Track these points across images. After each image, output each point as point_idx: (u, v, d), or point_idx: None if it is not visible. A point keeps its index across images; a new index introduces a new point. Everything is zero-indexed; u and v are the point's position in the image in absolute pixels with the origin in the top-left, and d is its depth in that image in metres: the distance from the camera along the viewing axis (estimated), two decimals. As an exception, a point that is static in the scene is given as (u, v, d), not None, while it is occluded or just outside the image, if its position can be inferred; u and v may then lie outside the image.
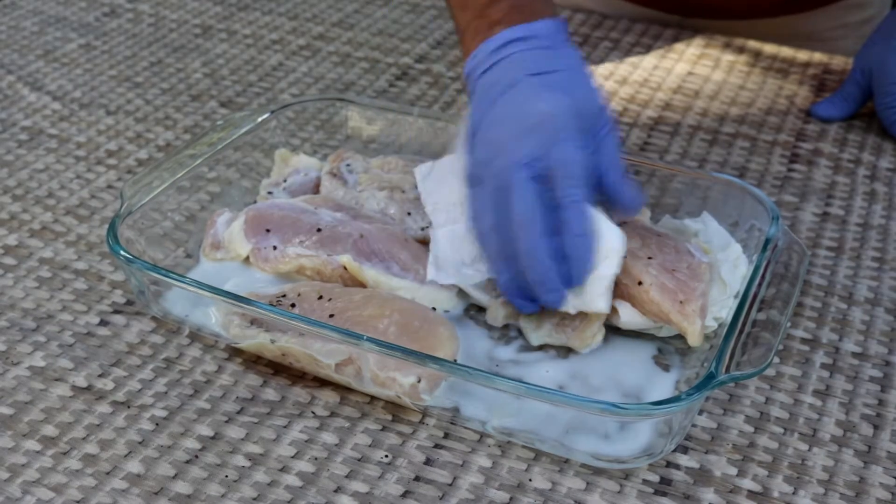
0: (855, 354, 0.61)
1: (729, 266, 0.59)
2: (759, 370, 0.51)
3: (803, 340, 0.63)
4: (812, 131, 0.85)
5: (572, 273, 0.56)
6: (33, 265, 0.67)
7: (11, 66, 0.91)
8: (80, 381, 0.58)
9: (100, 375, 0.58)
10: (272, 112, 0.73)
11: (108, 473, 0.52)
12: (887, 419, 0.57)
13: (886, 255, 0.70)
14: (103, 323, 0.62)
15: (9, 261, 0.67)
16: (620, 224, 0.61)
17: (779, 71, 0.93)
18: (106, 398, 0.57)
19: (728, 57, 0.95)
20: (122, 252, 0.58)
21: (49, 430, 0.55)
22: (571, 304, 0.57)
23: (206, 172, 0.69)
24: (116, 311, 0.63)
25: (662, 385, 0.56)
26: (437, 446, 0.54)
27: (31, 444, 0.54)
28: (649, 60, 0.95)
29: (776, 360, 0.61)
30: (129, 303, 0.64)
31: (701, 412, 0.57)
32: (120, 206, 0.62)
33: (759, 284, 0.57)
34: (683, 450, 0.54)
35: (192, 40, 0.97)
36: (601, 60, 0.94)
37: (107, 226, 0.68)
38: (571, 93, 0.57)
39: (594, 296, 0.56)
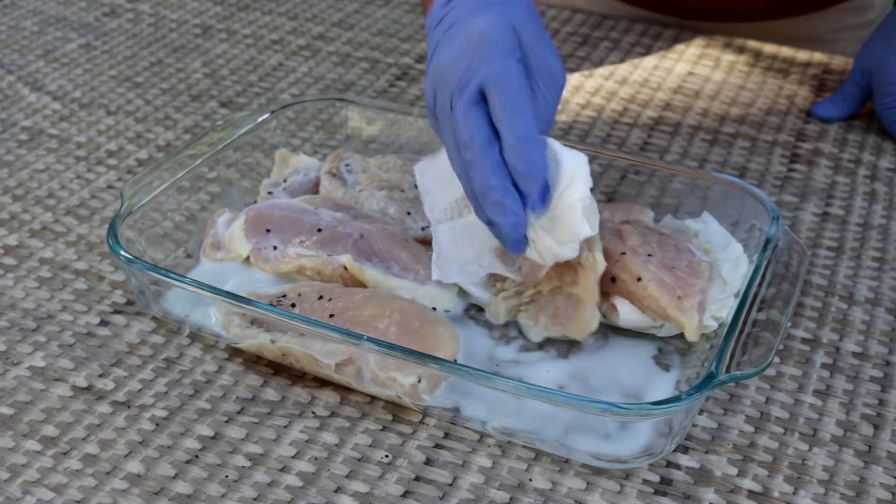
0: (855, 354, 0.62)
1: (730, 265, 0.59)
2: (759, 370, 0.51)
3: (804, 340, 0.62)
4: (812, 131, 0.85)
5: (529, 189, 0.52)
6: (33, 265, 0.67)
7: (11, 66, 0.90)
8: (81, 382, 0.58)
9: (100, 375, 0.58)
10: (272, 112, 0.73)
11: (108, 473, 0.52)
12: (888, 419, 0.57)
13: (887, 255, 0.70)
14: (103, 323, 0.62)
15: (9, 261, 0.67)
16: (623, 223, 0.61)
17: (779, 71, 0.93)
18: (106, 398, 0.57)
19: (728, 57, 0.95)
20: (122, 252, 0.58)
21: (49, 430, 0.55)
22: (551, 242, 0.54)
23: (206, 172, 0.69)
24: (117, 311, 0.63)
25: (663, 385, 0.56)
26: (437, 446, 0.54)
27: (32, 445, 0.54)
28: (649, 60, 0.94)
29: (776, 359, 0.60)
30: (130, 303, 0.63)
31: (701, 412, 0.56)
32: (120, 207, 0.62)
33: (760, 284, 0.56)
34: (684, 450, 0.54)
35: (192, 40, 0.97)
36: (601, 61, 0.94)
37: (107, 226, 0.68)
38: (505, 11, 0.55)
39: (573, 223, 0.53)
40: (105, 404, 0.56)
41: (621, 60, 0.95)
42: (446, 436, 0.55)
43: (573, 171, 0.54)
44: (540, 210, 0.53)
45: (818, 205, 0.75)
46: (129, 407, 0.56)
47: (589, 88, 0.89)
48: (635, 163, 0.69)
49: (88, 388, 0.57)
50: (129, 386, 0.57)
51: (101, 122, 0.82)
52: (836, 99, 0.84)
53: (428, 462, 0.53)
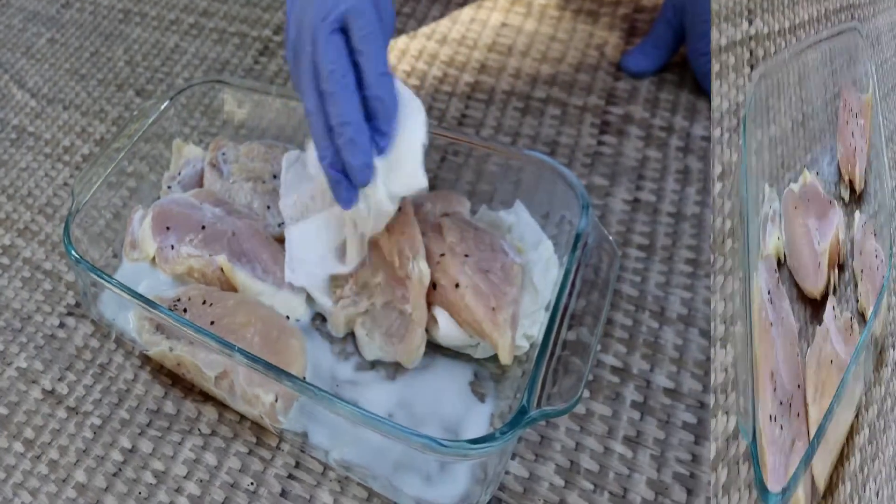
0: (667, 391, 0.30)
1: (541, 268, 0.29)
2: (569, 406, 0.24)
3: (613, 370, 0.31)
4: (623, 91, 0.43)
5: (379, 133, 0.28)
6: (19, 265, 0.38)
7: (6, 64, 0.54)
8: (47, 385, 0.33)
9: (59, 379, 0.33)
10: (171, 99, 0.38)
11: (63, 481, 0.30)
12: (701, 482, 0.28)
13: (700, 256, 0.34)
14: (61, 325, 0.35)
15: (4, 261, 0.39)
16: (443, 215, 0.31)
17: (589, 14, 0.48)
18: (63, 403, 0.32)
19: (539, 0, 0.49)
20: (72, 251, 0.31)
21: (28, 432, 0.31)
22: (383, 194, 0.28)
23: (126, 167, 0.37)
24: (70, 314, 0.36)
25: (478, 419, 0.28)
26: (290, 476, 0.29)
27: (18, 446, 0.31)
28: (467, 12, 0.50)
29: (586, 394, 0.30)
30: (78, 304, 0.36)
31: (514, 456, 0.29)
32: (71, 204, 0.33)
33: (570, 294, 0.27)
34: (497, 502, 0.28)
35: (117, 27, 0.55)
36: (424, 17, 0.50)
37: (63, 225, 0.38)
38: None
39: (412, 170, 0.28)
40: (62, 409, 0.32)
41: (442, 15, 0.50)
42: (297, 465, 0.29)
43: (414, 114, 0.28)
44: (384, 153, 0.28)
45: (629, 188, 0.38)
46: (77, 413, 0.32)
47: (413, 52, 0.48)
48: (454, 140, 0.34)
49: (52, 392, 0.33)
50: (77, 391, 0.33)
51: (59, 118, 0.47)
52: (646, 46, 0.41)
53: (283, 494, 0.29)
